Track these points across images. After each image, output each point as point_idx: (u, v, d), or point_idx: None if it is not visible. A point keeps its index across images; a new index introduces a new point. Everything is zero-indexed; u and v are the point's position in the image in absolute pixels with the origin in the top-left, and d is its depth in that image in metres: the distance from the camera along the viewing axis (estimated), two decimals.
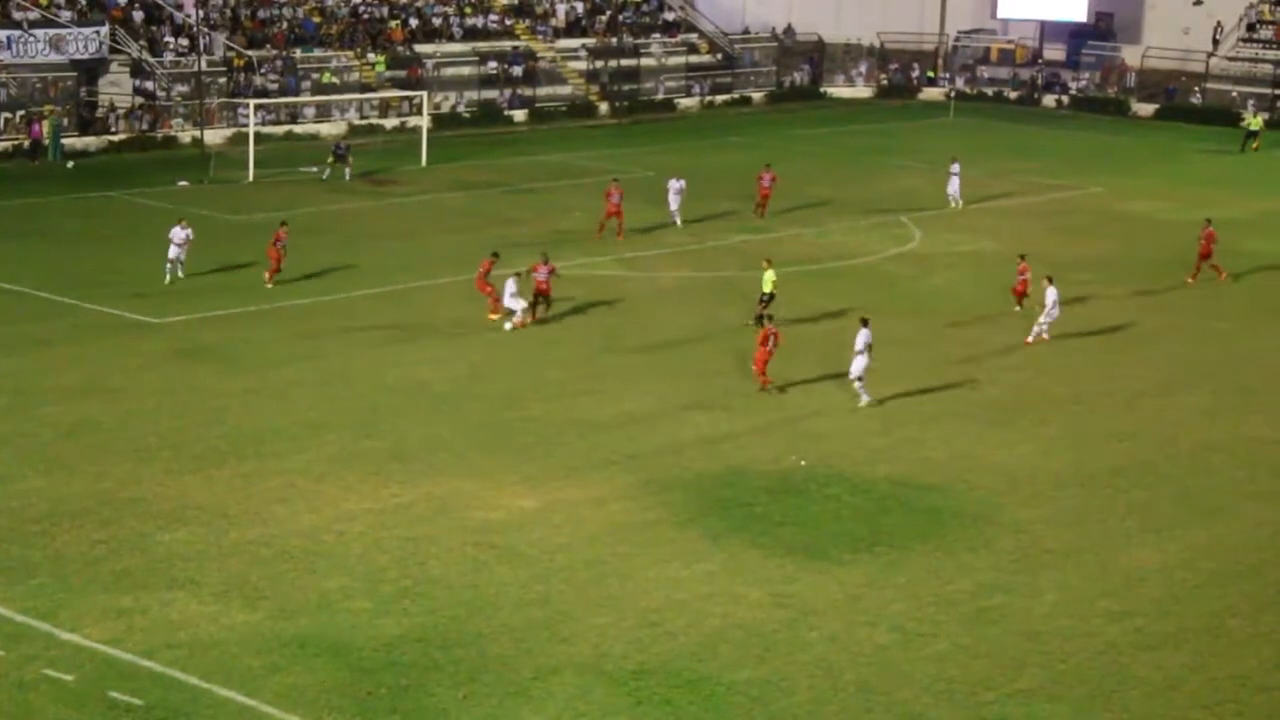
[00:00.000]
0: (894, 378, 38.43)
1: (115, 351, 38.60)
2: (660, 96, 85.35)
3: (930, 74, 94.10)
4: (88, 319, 41.15)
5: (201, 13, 72.19)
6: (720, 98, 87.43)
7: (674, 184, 54.91)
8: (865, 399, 35.92)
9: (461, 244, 51.72)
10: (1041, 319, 41.38)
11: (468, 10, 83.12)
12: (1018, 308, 43.98)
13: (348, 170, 61.56)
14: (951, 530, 29.14)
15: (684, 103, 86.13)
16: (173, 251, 44.99)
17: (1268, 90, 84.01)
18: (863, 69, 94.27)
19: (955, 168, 59.62)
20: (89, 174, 61.27)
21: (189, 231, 45.30)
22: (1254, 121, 75.12)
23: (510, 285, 40.93)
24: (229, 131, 69.54)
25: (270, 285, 43.84)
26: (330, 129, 72.75)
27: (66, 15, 68.85)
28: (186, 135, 69.28)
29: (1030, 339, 41.10)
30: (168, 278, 44.71)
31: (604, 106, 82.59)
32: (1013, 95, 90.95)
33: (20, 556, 26.42)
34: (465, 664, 23.47)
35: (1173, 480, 32.10)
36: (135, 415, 34.02)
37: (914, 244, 53.32)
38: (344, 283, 45.89)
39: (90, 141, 67.03)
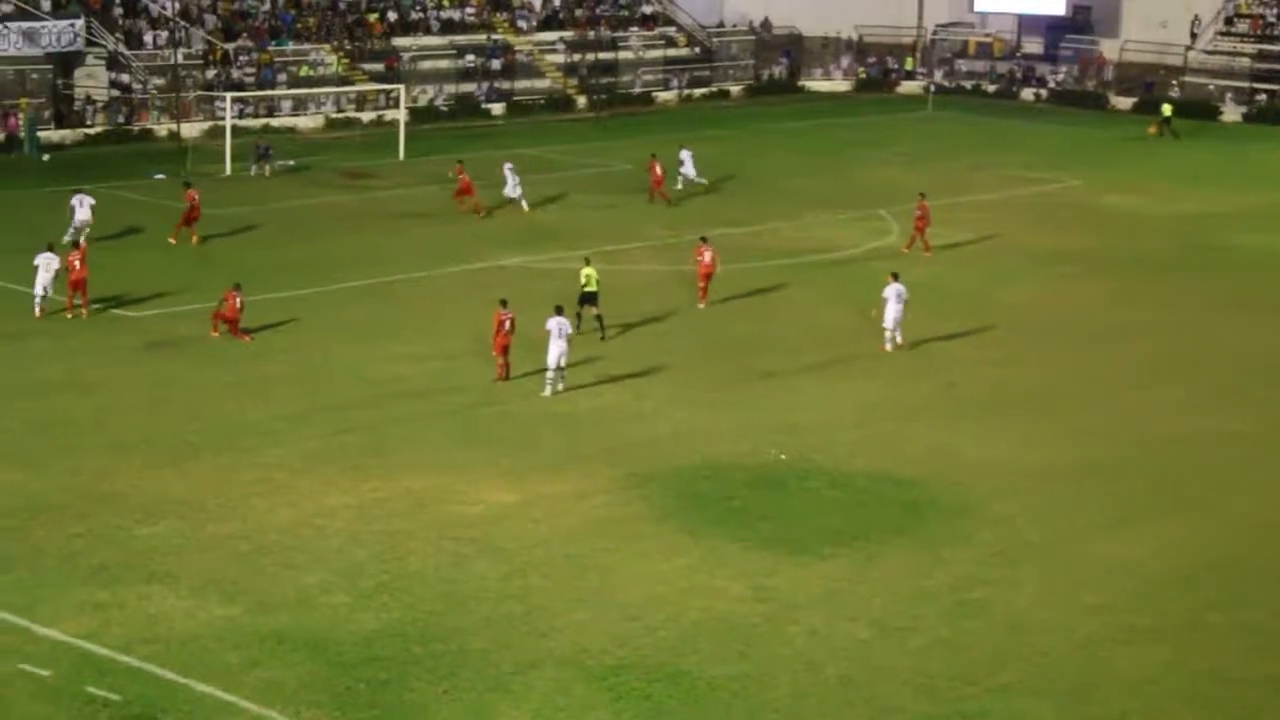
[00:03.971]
0: (872, 371, 38.52)
1: (90, 345, 38.46)
2: (638, 90, 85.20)
3: (908, 67, 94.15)
4: (62, 314, 40.91)
5: (178, 5, 71.88)
6: (698, 91, 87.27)
7: (507, 165, 55.53)
8: (549, 389, 35.32)
9: (439, 238, 51.62)
10: (885, 322, 39.33)
11: (445, 3, 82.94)
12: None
13: (268, 166, 61.12)
14: (930, 524, 29.18)
15: (662, 96, 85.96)
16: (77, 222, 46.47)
17: (1245, 84, 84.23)
18: (841, 62, 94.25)
19: (685, 154, 59.60)
20: (65, 167, 60.91)
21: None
22: (1166, 109, 76.27)
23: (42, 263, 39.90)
24: (205, 125, 69.27)
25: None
26: (307, 122, 72.55)
27: (46, 4, 68.44)
28: (163, 128, 68.98)
29: (888, 346, 39.62)
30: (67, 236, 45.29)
31: (582, 100, 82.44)
32: (991, 88, 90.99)
33: None
34: (444, 659, 23.44)
35: (1150, 474, 32.19)
36: (110, 410, 33.92)
37: (893, 237, 53.37)
38: (321, 276, 45.78)
39: (66, 134, 66.71)
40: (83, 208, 48.01)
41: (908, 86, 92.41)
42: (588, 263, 41.09)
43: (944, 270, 49.62)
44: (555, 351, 35.33)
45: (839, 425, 34.57)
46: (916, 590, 26.32)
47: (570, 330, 35.46)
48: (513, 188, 56.00)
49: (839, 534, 28.47)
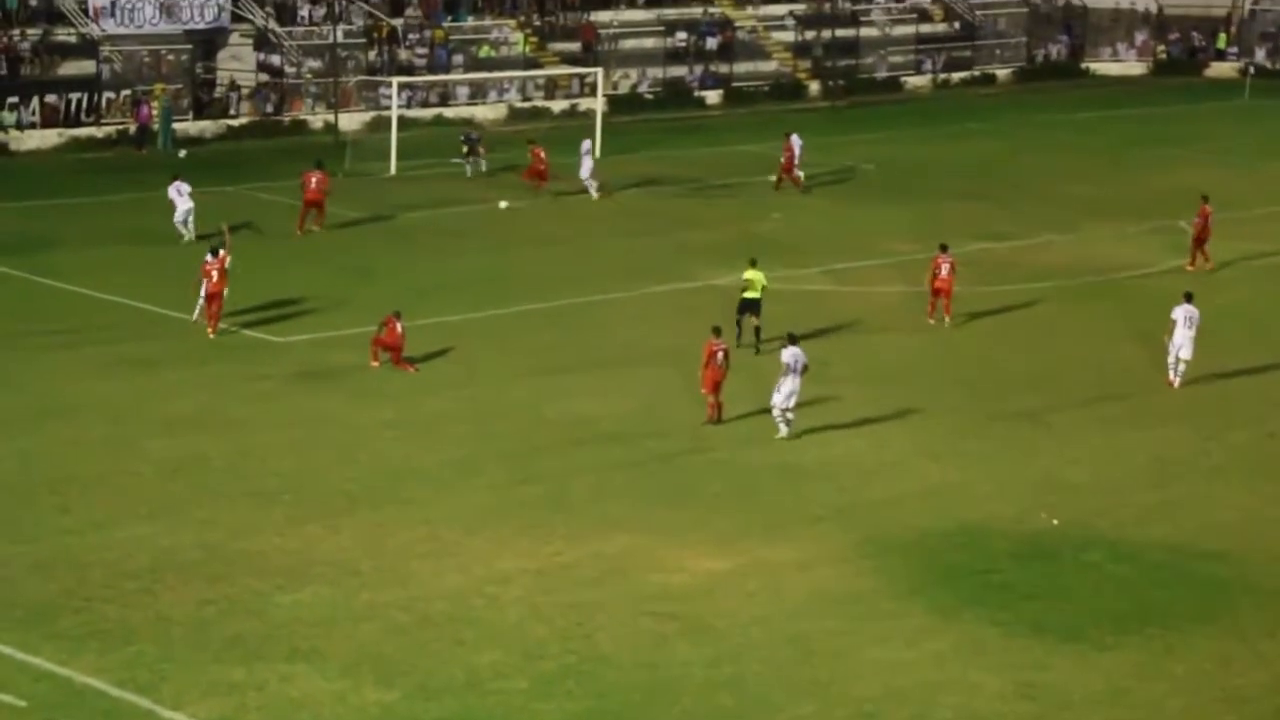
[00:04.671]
0: (1166, 415, 37.85)
1: (231, 376, 39.40)
2: (883, 74, 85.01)
3: (1220, 46, 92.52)
4: (199, 337, 42.05)
5: None
6: (957, 75, 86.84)
7: (585, 144, 59.64)
8: (784, 430, 35.60)
9: (639, 251, 51.97)
10: (1171, 355, 39.66)
11: None
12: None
13: (483, 163, 62.10)
14: (1243, 610, 28.57)
15: (912, 81, 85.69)
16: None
17: None
18: (1135, 40, 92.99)
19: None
20: (204, 164, 62.50)
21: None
22: None
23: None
24: (368, 115, 70.63)
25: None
26: (487, 112, 73.56)
27: None
28: (318, 119, 70.53)
29: (1176, 380, 39.83)
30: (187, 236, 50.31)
31: (815, 86, 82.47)
32: None
33: (118, 618, 27.02)
34: None
35: None
36: (252, 452, 34.68)
37: (1200, 258, 52.35)
38: (498, 297, 46.35)
39: (206, 126, 68.62)
40: (182, 197, 50.65)
41: (1219, 69, 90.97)
42: (753, 265, 42.20)
43: (1260, 293, 48.64)
44: (787, 388, 35.39)
45: (1126, 484, 34.05)
46: (1225, 690, 25.77)
47: (805, 361, 35.47)
48: (587, 171, 58.71)
49: (1126, 619, 27.98)
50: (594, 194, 58.78)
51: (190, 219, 50.63)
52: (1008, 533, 31.38)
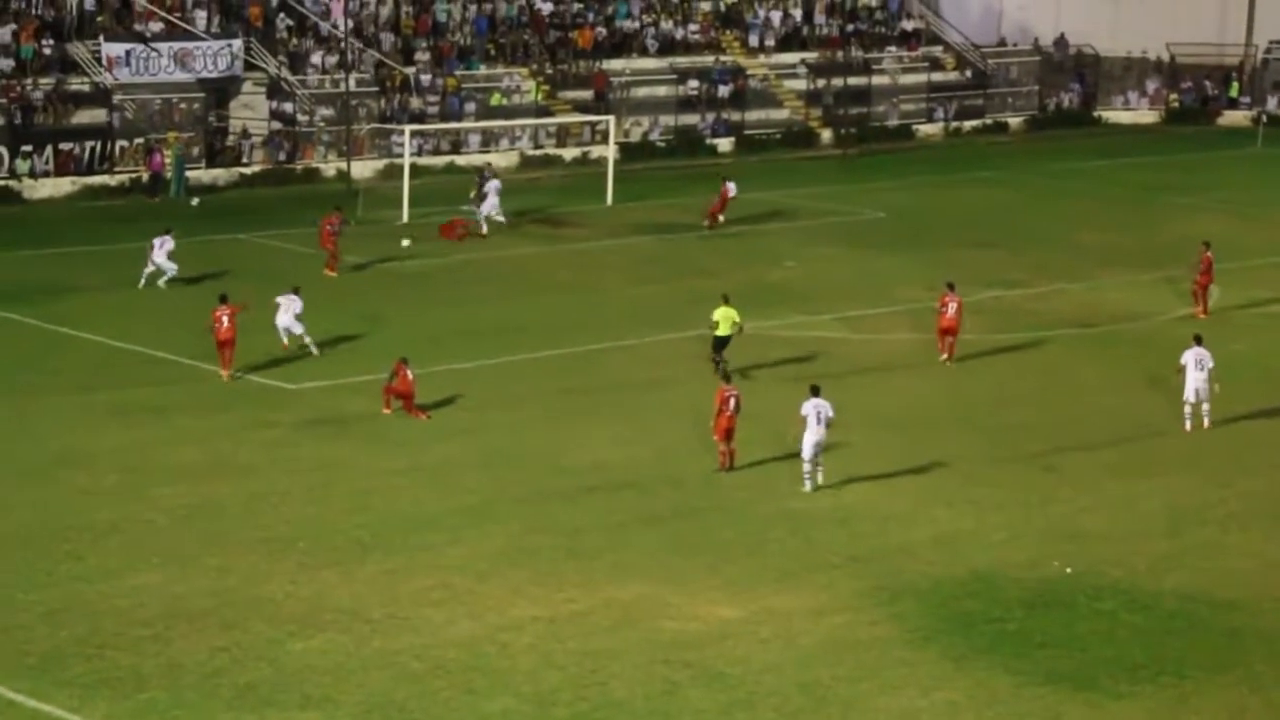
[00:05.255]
0: (1182, 463, 37.85)
1: (242, 423, 39.50)
2: (895, 122, 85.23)
3: (1233, 94, 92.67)
4: (211, 384, 42.20)
5: (351, 22, 73.44)
6: (969, 124, 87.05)
7: (494, 184, 61.07)
8: (808, 484, 35.51)
9: (651, 298, 52.07)
10: (1188, 402, 39.66)
11: (665, 17, 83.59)
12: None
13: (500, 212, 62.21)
14: (1258, 659, 28.49)
15: (924, 129, 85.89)
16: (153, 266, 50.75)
17: None
18: (1147, 88, 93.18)
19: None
20: (217, 212, 62.89)
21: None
22: None
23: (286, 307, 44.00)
24: (380, 163, 70.89)
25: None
26: (499, 160, 73.79)
27: (202, 20, 70.70)
28: (331, 167, 70.75)
29: (1204, 422, 39.87)
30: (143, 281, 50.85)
31: (826, 134, 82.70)
32: None
33: (129, 666, 27.04)
34: None
35: None
36: (264, 499, 34.75)
37: (1209, 302, 52.40)
38: (511, 344, 46.46)
39: (219, 174, 68.85)
40: (159, 251, 51.04)
41: (1231, 117, 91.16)
42: (726, 302, 43.07)
43: (1274, 340, 48.65)
44: (811, 440, 35.34)
45: (1140, 532, 34.02)
46: None
47: (829, 414, 35.42)
48: (492, 206, 60.35)
49: (1140, 668, 27.94)
50: (498, 221, 60.30)
51: (162, 278, 50.97)
52: (1021, 580, 31.35)
